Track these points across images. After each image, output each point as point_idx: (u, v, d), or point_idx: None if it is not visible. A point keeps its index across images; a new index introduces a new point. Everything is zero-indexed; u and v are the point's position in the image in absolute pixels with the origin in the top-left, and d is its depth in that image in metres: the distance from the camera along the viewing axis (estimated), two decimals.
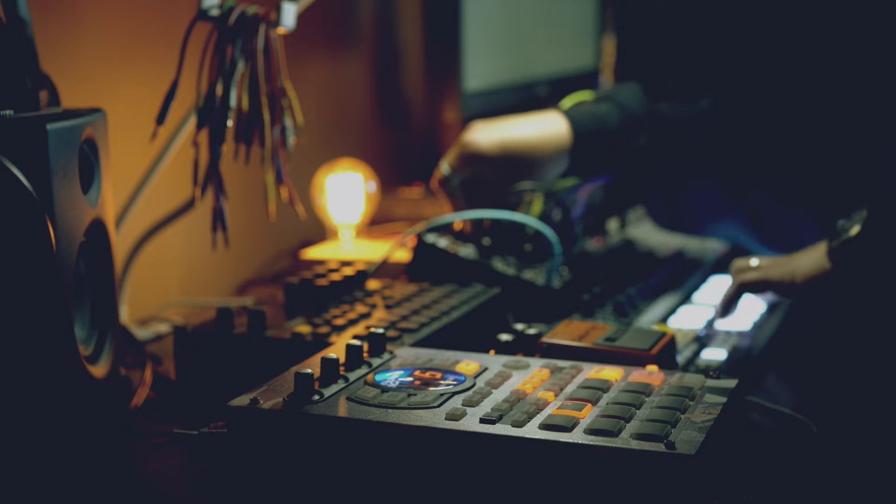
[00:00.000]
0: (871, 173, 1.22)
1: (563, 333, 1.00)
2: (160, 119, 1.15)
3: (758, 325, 1.20)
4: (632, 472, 0.73)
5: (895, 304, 1.09)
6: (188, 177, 1.17)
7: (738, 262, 1.21)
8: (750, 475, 0.85)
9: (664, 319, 1.23)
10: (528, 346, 1.00)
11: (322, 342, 1.00)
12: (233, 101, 1.13)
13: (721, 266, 1.49)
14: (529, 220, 1.28)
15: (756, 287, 1.17)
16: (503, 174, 1.31)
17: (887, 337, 1.08)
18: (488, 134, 1.31)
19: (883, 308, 1.09)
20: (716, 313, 1.19)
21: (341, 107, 1.85)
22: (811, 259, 1.15)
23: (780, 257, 1.20)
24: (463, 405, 0.81)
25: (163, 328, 1.31)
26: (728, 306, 1.18)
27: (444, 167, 1.34)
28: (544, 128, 1.32)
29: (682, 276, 1.41)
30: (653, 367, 0.90)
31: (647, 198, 1.44)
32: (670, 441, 0.74)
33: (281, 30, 1.16)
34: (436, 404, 0.81)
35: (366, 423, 0.78)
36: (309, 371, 0.82)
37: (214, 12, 1.13)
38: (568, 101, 1.42)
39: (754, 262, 1.20)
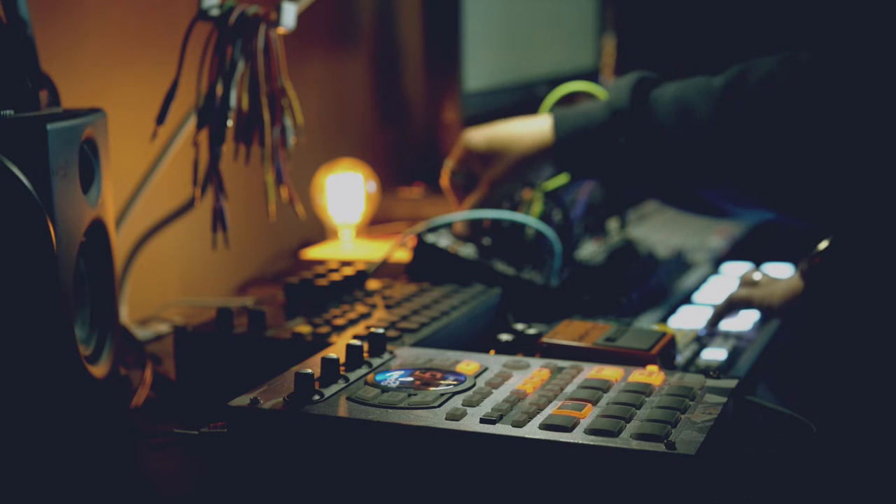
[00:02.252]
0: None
1: (563, 333, 1.00)
2: (160, 119, 1.15)
3: (758, 326, 1.20)
4: (632, 472, 0.73)
5: (887, 309, 1.08)
6: (188, 177, 1.17)
7: (745, 275, 1.21)
8: (750, 475, 0.85)
9: (664, 319, 1.23)
10: (528, 346, 1.00)
11: (322, 342, 1.00)
12: (233, 101, 1.13)
13: (721, 266, 1.50)
14: (529, 220, 1.28)
15: (742, 304, 1.17)
16: (490, 171, 1.31)
17: (887, 337, 1.07)
18: (481, 130, 1.33)
19: (877, 314, 1.08)
20: (707, 322, 1.19)
21: (341, 107, 1.85)
22: (789, 281, 1.15)
23: (774, 278, 1.19)
24: (463, 405, 0.81)
25: (163, 328, 1.31)
26: (718, 318, 1.18)
27: (447, 163, 1.35)
28: (529, 127, 1.31)
29: (682, 276, 1.41)
30: (653, 367, 0.90)
31: (651, 195, 1.39)
32: (670, 441, 0.74)
33: (281, 30, 1.16)
34: (436, 404, 0.81)
35: (366, 423, 0.78)
36: (309, 371, 0.82)
37: (214, 12, 1.13)
38: (556, 93, 1.41)
39: (757, 276, 1.20)
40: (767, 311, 1.16)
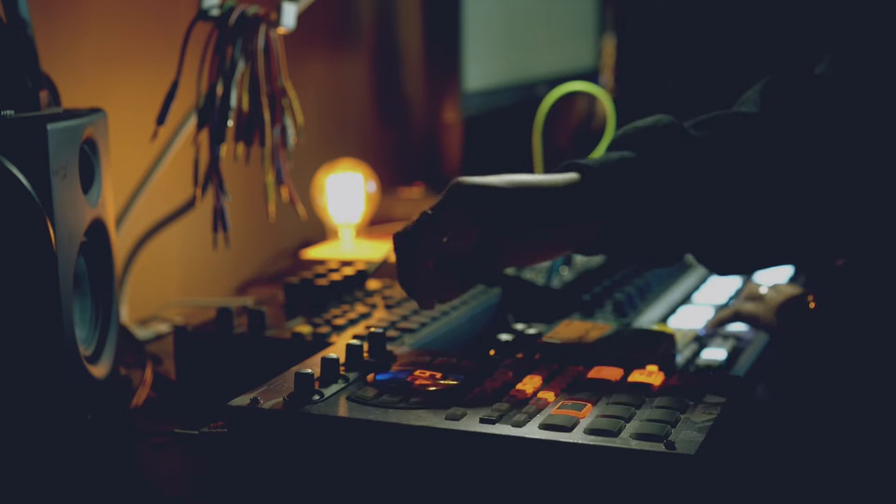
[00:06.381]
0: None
1: (563, 333, 1.00)
2: (160, 119, 1.15)
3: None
4: (632, 472, 0.73)
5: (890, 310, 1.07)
6: (188, 177, 1.17)
7: (750, 288, 1.19)
8: (750, 475, 0.85)
9: (664, 319, 1.23)
10: (528, 346, 1.00)
11: (322, 342, 1.00)
12: (233, 101, 1.13)
13: None
14: None
15: (748, 320, 1.15)
16: None
17: (887, 336, 1.07)
18: None
19: (883, 309, 1.07)
20: (707, 324, 1.18)
21: (341, 107, 1.85)
22: (786, 288, 1.13)
23: (778, 291, 1.17)
24: (463, 405, 0.81)
25: (163, 328, 1.31)
26: (720, 324, 1.17)
27: None
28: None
29: (682, 276, 1.41)
30: (653, 367, 0.90)
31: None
32: (670, 441, 0.74)
33: (281, 30, 1.16)
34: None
35: (366, 423, 0.78)
36: (309, 371, 0.82)
37: (215, 12, 1.14)
38: (556, 93, 1.41)
39: (763, 290, 1.18)
40: (769, 330, 1.14)
